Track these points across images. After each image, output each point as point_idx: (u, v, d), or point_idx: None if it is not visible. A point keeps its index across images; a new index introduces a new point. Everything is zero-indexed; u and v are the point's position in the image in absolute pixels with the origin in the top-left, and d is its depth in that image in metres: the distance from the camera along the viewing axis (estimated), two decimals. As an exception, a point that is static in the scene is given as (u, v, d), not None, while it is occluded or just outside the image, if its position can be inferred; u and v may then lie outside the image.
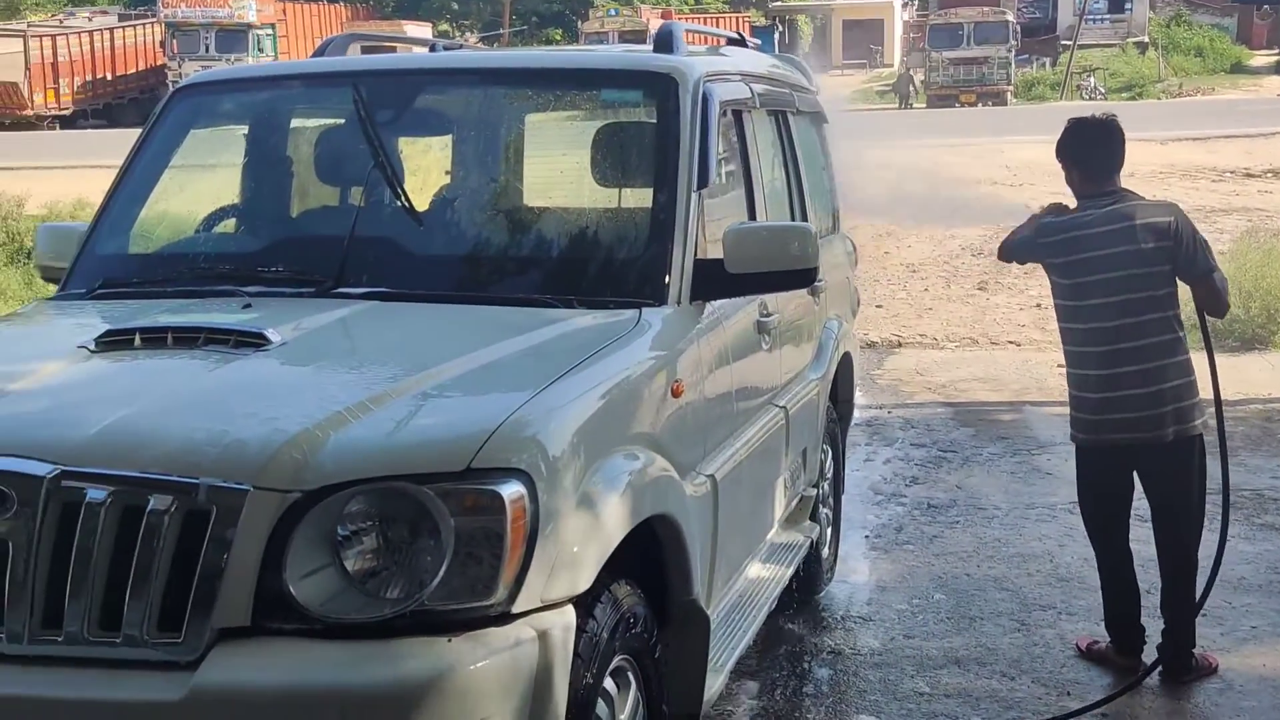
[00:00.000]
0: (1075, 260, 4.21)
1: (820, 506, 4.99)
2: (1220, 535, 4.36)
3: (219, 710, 2.21)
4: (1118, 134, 4.35)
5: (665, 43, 3.82)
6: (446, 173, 4.03)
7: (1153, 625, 4.39)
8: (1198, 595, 4.32)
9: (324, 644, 2.27)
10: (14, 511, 2.31)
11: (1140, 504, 4.38)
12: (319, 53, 4.12)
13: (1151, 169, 18.54)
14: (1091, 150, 4.37)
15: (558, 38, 44.74)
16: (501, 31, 44.14)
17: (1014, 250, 4.62)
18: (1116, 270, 4.13)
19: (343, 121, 3.80)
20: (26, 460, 2.33)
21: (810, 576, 4.92)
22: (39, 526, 2.30)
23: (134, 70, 36.86)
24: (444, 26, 45.31)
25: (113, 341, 2.85)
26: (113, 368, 2.78)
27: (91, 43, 35.53)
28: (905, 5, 49.16)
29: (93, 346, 2.83)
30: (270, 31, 35.56)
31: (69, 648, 2.30)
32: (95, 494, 2.30)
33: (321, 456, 2.34)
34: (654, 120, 3.53)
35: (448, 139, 3.98)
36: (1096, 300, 4.17)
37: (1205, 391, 4.28)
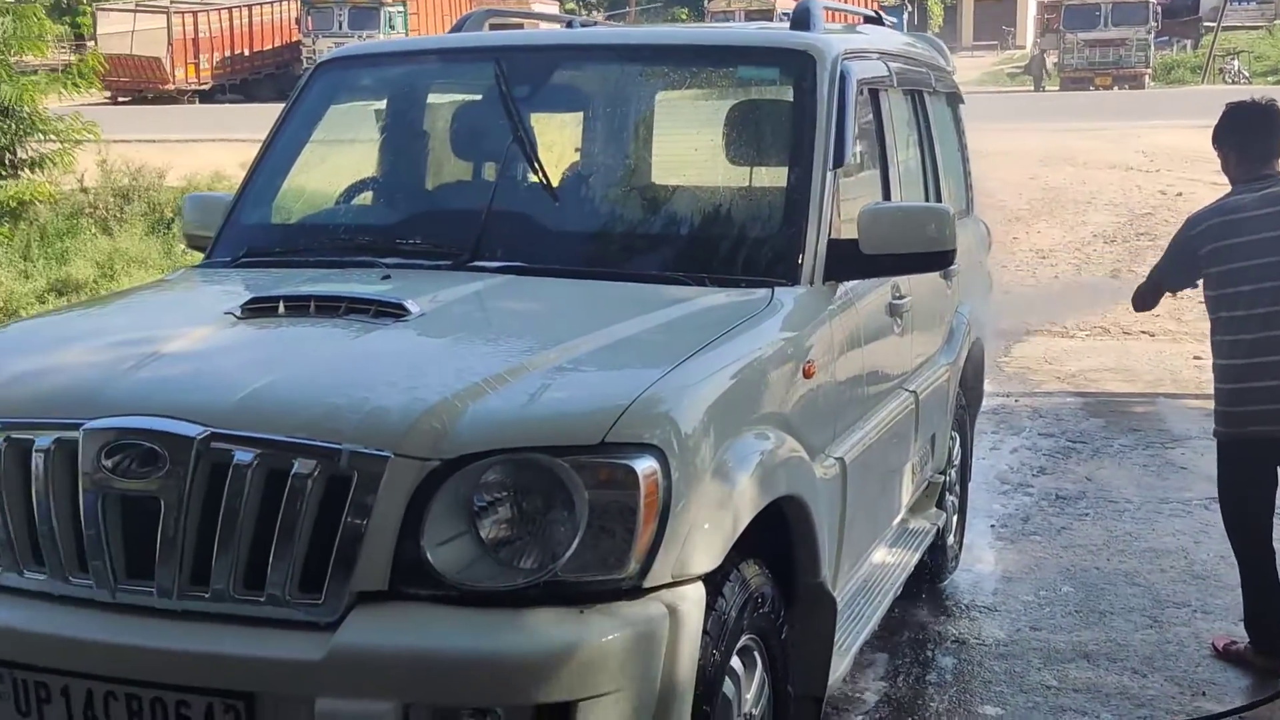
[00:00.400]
0: (1227, 245, 4.08)
1: (947, 493, 4.93)
2: None
3: (358, 671, 2.26)
4: (1278, 118, 4.20)
5: (803, 20, 3.79)
6: (576, 149, 4.05)
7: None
8: None
9: (459, 610, 2.31)
10: (166, 470, 2.38)
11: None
12: (457, 28, 4.17)
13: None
14: (1250, 134, 4.23)
15: (684, 16, 44.55)
16: (628, 9, 44.18)
17: (1162, 273, 4.44)
18: (1271, 255, 4.00)
19: (480, 96, 3.84)
20: (178, 422, 2.40)
21: (935, 564, 4.89)
22: (189, 486, 2.37)
23: (270, 46, 37.61)
24: (570, 5, 45.50)
25: (257, 309, 2.92)
26: (257, 334, 2.85)
27: (230, 19, 36.32)
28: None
29: (238, 313, 2.91)
30: (401, 9, 35.97)
31: (215, 604, 2.37)
32: (242, 456, 2.36)
33: (460, 426, 2.37)
34: (790, 98, 3.51)
35: (579, 115, 4.00)
36: (1249, 286, 4.03)
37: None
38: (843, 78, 3.52)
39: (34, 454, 2.48)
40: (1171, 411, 7.99)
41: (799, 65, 3.51)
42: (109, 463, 2.41)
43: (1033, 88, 34.98)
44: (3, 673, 2.45)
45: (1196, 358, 9.47)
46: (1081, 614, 4.79)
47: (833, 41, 3.65)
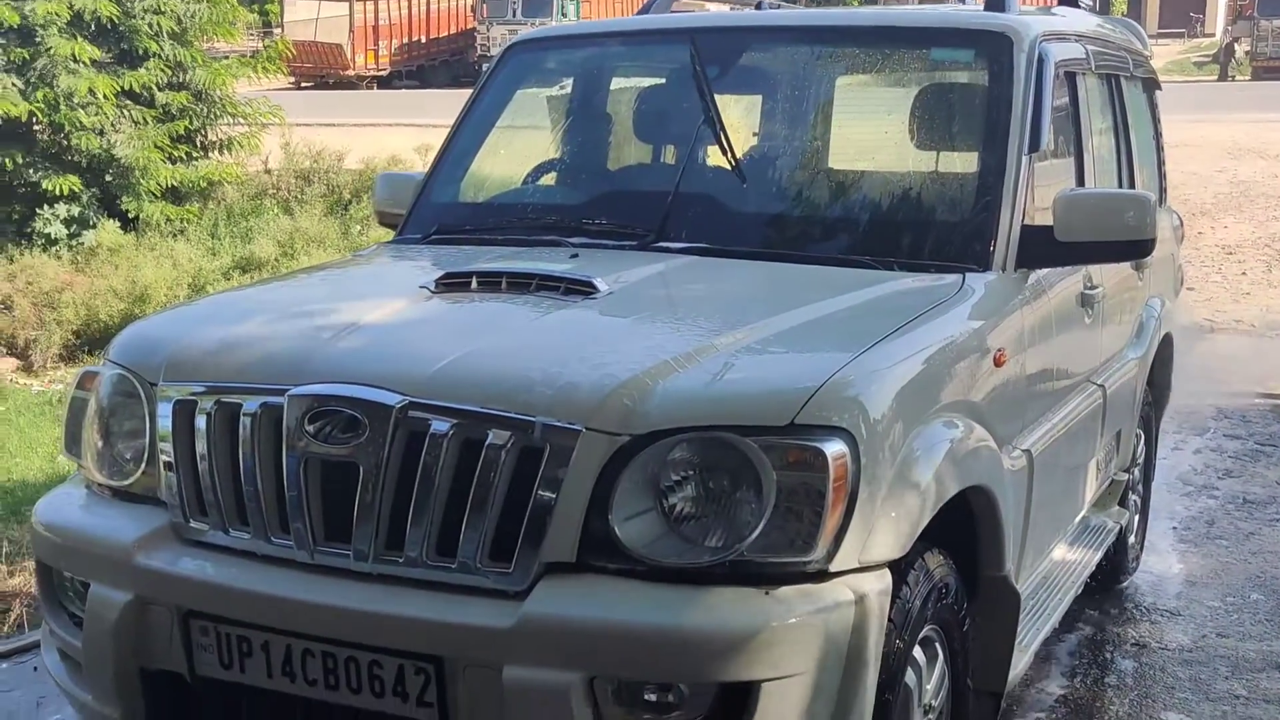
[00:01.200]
0: None
1: (1130, 492, 4.80)
2: None
3: (546, 640, 2.29)
4: None
5: (998, 1, 3.71)
6: (755, 134, 4.02)
7: None
8: None
9: (645, 585, 2.33)
10: (365, 437, 2.45)
11: None
12: (644, 10, 4.19)
13: None
14: None
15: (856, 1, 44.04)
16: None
17: None
18: None
19: (667, 79, 3.85)
20: (378, 390, 2.47)
21: (1116, 564, 4.75)
22: (387, 453, 2.43)
23: (445, 34, 38.30)
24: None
25: (451, 284, 2.98)
26: (452, 308, 2.91)
27: (409, 7, 37.06)
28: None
29: (433, 288, 2.98)
30: (576, -3, 36.42)
31: (408, 569, 2.43)
32: (439, 425, 2.42)
33: (649, 403, 2.38)
34: (986, 80, 3.44)
35: (767, 96, 3.96)
36: None
37: None
38: (1040, 60, 3.44)
39: (241, 418, 2.58)
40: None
41: (996, 47, 3.43)
42: (311, 428, 2.49)
43: (1217, 77, 33.54)
44: (207, 626, 2.55)
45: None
46: (1273, 623, 4.60)
47: (1031, 23, 3.56)
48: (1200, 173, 15.78)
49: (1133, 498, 4.90)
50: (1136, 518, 5.01)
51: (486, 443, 2.39)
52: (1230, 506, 5.99)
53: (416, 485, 2.42)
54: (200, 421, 2.64)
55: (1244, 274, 12.41)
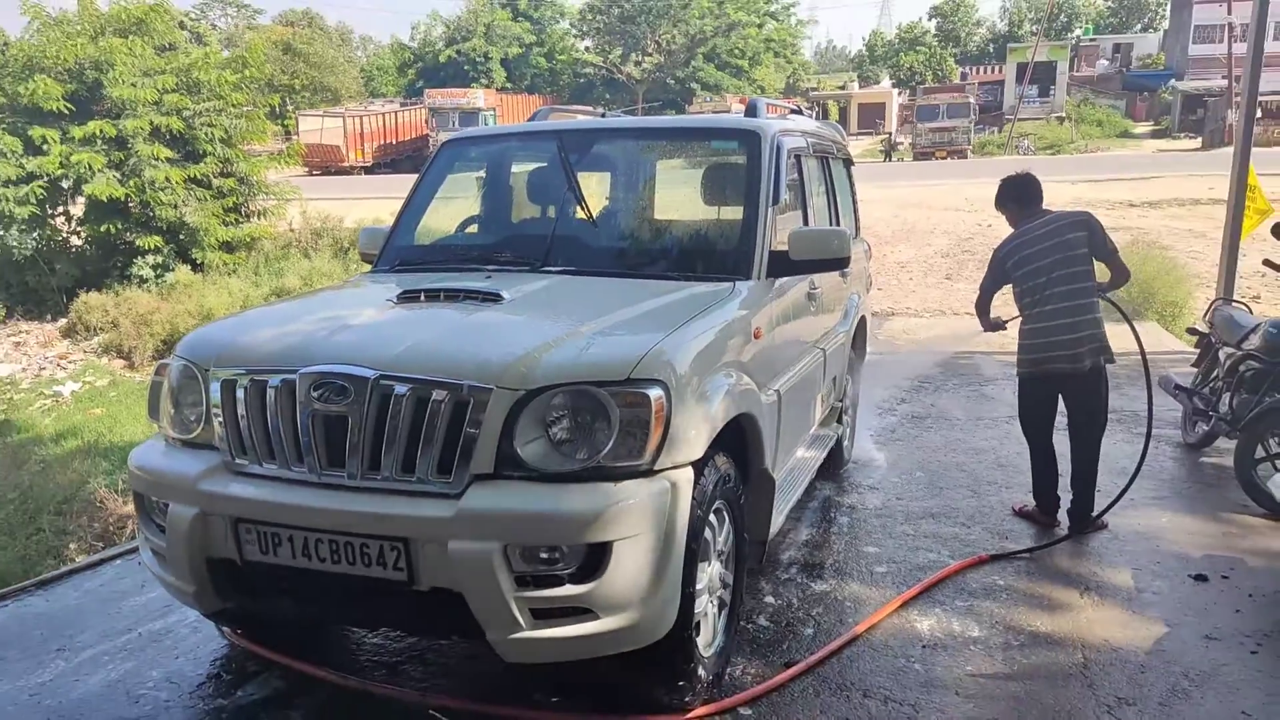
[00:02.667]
0: (1024, 256, 4.05)
1: (844, 414, 4.90)
2: (1145, 441, 4.23)
3: (475, 523, 2.26)
4: (1035, 181, 4.21)
5: (753, 111, 3.73)
6: (606, 197, 3.99)
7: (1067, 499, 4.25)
8: (1123, 484, 4.21)
9: (539, 484, 2.31)
10: (352, 398, 2.38)
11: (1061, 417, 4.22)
12: (533, 119, 4.11)
13: (1064, 201, 17.69)
14: (1022, 192, 4.18)
15: (672, 113, 44.13)
16: (637, 108, 43.56)
17: (985, 285, 4.32)
18: (1050, 257, 3.98)
19: (546, 163, 3.78)
20: (360, 367, 2.40)
21: (835, 459, 4.85)
22: (366, 408, 2.37)
23: (409, 138, 37.30)
24: (600, 110, 44.91)
25: (407, 297, 2.90)
26: (407, 312, 2.82)
27: (384, 120, 35.96)
28: (900, 93, 47.27)
29: (395, 300, 2.89)
30: (493, 112, 35.70)
31: (384, 482, 2.38)
32: (400, 389, 2.36)
33: (538, 369, 2.36)
34: (745, 161, 3.44)
35: (610, 172, 3.93)
36: (1040, 279, 4.01)
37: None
38: (778, 148, 3.46)
39: (268, 389, 2.48)
40: (985, 363, 7.93)
41: (751, 139, 3.44)
42: (315, 394, 2.41)
43: (883, 160, 34.58)
44: (250, 527, 2.46)
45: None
46: (928, 489, 4.77)
47: (772, 124, 3.59)
48: (883, 217, 16.24)
49: (845, 418, 5.00)
50: (847, 429, 5.11)
51: (432, 399, 2.34)
52: (904, 420, 6.17)
53: (387, 428, 2.36)
54: (240, 393, 2.53)
55: (910, 279, 12.81)
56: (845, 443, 5.06)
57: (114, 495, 6.68)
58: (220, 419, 2.56)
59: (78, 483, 7.00)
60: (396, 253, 3.70)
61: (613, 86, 47.67)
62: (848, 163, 5.13)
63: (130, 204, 12.44)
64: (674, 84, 46.14)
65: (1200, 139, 31.74)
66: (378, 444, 2.37)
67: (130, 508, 5.82)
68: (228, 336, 2.73)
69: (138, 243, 12.26)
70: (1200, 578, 3.67)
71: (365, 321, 2.74)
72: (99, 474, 7.11)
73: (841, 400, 4.78)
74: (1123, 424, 5.80)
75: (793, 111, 4.65)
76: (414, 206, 3.83)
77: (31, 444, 8.17)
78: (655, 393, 2.35)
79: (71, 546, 6.17)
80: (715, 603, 2.80)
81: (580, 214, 3.44)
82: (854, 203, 5.20)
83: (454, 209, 4.07)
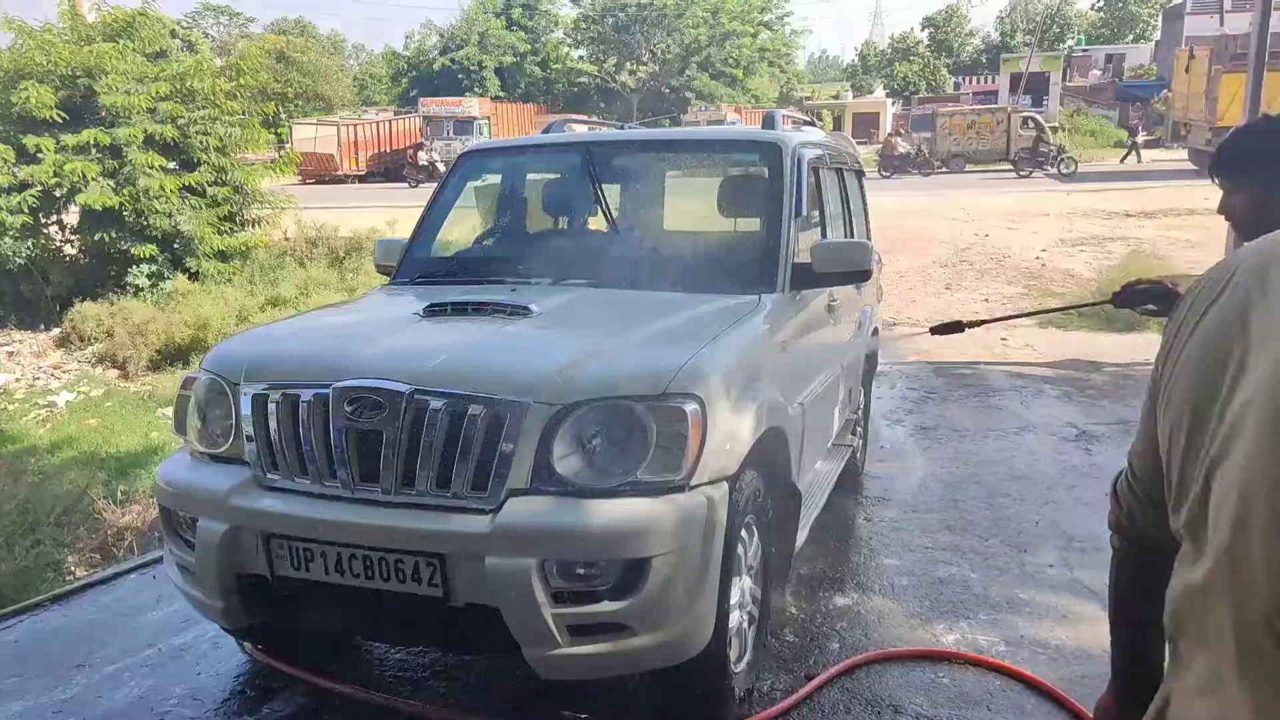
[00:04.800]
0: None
1: (858, 426, 4.92)
2: None
3: (512, 538, 2.26)
4: None
5: (770, 123, 3.76)
6: (628, 209, 3.99)
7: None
8: None
9: (575, 499, 2.31)
10: (386, 414, 2.38)
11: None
12: (547, 130, 4.12)
13: (1062, 211, 17.88)
14: None
15: (667, 123, 44.24)
16: (635, 122, 43.59)
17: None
18: None
19: (567, 173, 3.79)
20: (395, 382, 2.40)
21: (851, 470, 4.86)
22: (401, 423, 2.37)
23: (402, 146, 37.28)
24: (618, 122, 45.00)
25: (434, 310, 2.90)
26: (437, 326, 2.83)
27: (377, 129, 35.95)
28: (894, 103, 47.65)
29: (421, 313, 2.89)
30: (487, 121, 35.73)
31: (418, 497, 2.38)
32: (435, 404, 2.36)
33: (575, 383, 2.36)
34: (766, 174, 3.47)
35: (630, 185, 3.95)
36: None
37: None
38: (799, 159, 3.50)
39: (300, 403, 2.48)
40: (989, 373, 7.96)
41: (772, 152, 3.47)
42: (349, 409, 2.41)
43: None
44: (283, 542, 2.45)
45: (1003, 339, 9.45)
46: (943, 501, 4.77)
47: (792, 136, 3.61)
48: (880, 227, 16.07)
49: (859, 429, 5.02)
50: (861, 441, 5.13)
51: (468, 413, 2.34)
52: (914, 432, 6.17)
53: (422, 443, 2.36)
54: (271, 407, 2.53)
55: (910, 289, 12.77)
56: (859, 456, 5.06)
57: (112, 506, 6.64)
58: (251, 433, 2.56)
59: (75, 494, 6.95)
60: (416, 265, 3.70)
61: (607, 95, 47.80)
62: (859, 174, 5.17)
63: (124, 213, 12.40)
64: (668, 93, 46.29)
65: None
66: (412, 459, 2.37)
67: (129, 519, 5.78)
68: (257, 350, 2.73)
69: (132, 251, 12.22)
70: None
71: (394, 335, 2.74)
72: (96, 485, 7.07)
73: (856, 412, 4.79)
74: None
75: (805, 123, 4.68)
76: (432, 218, 3.84)
77: (27, 454, 8.11)
78: (691, 407, 2.36)
79: (70, 560, 6.13)
80: (746, 618, 2.80)
81: (604, 226, 3.45)
82: (865, 214, 5.24)
83: (472, 220, 4.08)
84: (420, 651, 3.18)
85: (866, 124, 46.73)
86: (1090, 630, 3.35)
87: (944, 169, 30.22)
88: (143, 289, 12.27)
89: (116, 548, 6.38)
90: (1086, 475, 5.13)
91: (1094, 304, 2.76)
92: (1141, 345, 8.69)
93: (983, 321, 3.60)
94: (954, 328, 3.94)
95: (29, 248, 12.31)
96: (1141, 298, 2.59)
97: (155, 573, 3.98)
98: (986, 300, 11.72)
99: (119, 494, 6.62)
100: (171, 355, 10.37)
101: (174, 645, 3.34)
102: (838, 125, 44.44)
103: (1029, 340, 9.31)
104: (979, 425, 6.27)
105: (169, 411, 7.99)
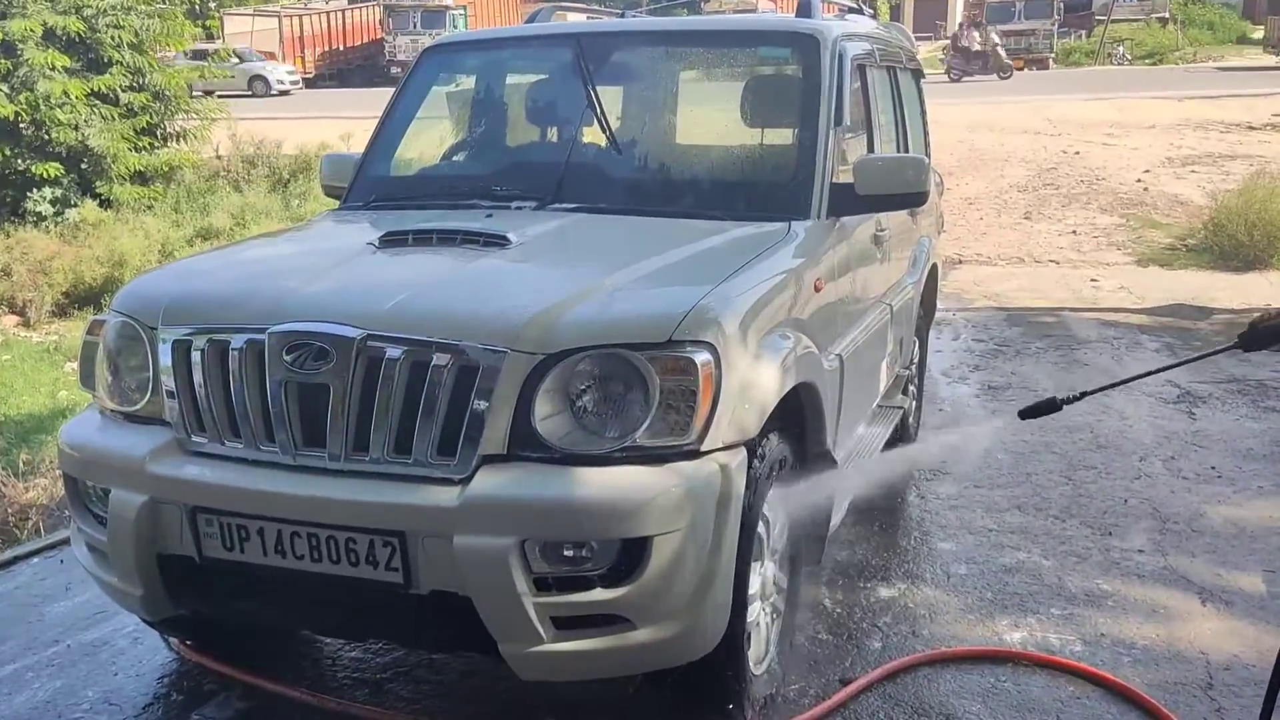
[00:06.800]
0: None
1: (909, 384, 4.93)
2: None
3: (486, 514, 2.28)
4: None
5: (806, 9, 3.71)
6: (630, 116, 3.96)
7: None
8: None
9: (561, 468, 2.32)
10: (333, 364, 2.39)
11: None
12: (531, 19, 4.08)
13: (1170, 122, 17.64)
14: None
15: (684, 13, 43.59)
16: (642, 9, 43.06)
17: None
18: None
19: (556, 73, 3.75)
20: (342, 325, 2.41)
21: (901, 436, 4.87)
22: (351, 376, 2.38)
23: (359, 43, 36.98)
24: (596, 5, 44.52)
25: (392, 240, 2.90)
26: (395, 259, 2.83)
27: (328, 21, 35.72)
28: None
29: (377, 244, 2.90)
30: (463, 11, 35.28)
31: (373, 465, 2.40)
32: (393, 352, 2.37)
33: (559, 329, 2.37)
34: (800, 72, 3.43)
35: (634, 87, 3.90)
36: None
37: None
38: (840, 56, 3.45)
39: (230, 352, 2.50)
40: (1075, 322, 7.93)
41: (807, 45, 3.43)
42: (289, 358, 2.42)
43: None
44: (211, 518, 2.48)
45: (1093, 280, 9.42)
46: (1012, 475, 4.80)
47: (833, 26, 3.57)
48: (946, 143, 16.07)
49: (911, 388, 5.03)
50: (914, 402, 5.14)
51: (432, 364, 2.35)
52: (980, 391, 6.20)
53: (377, 400, 2.37)
54: (195, 356, 2.54)
55: (981, 219, 12.73)
56: (911, 419, 5.09)
57: (12, 479, 6.73)
58: (172, 388, 2.58)
59: (-36, 466, 7.05)
60: (371, 185, 3.70)
61: (609, -21, 47.13)
62: (917, 74, 5.11)
63: (21, 124, 12.39)
64: (685, -24, 45.56)
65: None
66: (365, 418, 2.39)
67: (33, 494, 5.87)
68: (177, 287, 2.74)
69: (32, 171, 12.23)
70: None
71: (344, 269, 2.75)
72: (-9, 454, 7.16)
73: (909, 367, 4.80)
74: (1248, 395, 5.85)
75: (850, 10, 4.62)
76: (390, 129, 3.83)
77: (-92, 418, 8.22)
78: (702, 357, 2.36)
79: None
80: (769, 610, 2.84)
81: (600, 139, 3.42)
82: (924, 124, 5.19)
83: (437, 132, 4.05)
84: (378, 648, 3.24)
85: (932, 12, 45.98)
86: (1186, 628, 3.40)
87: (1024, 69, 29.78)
88: (45, 217, 12.29)
89: (19, 528, 6.49)
90: (1189, 444, 5.15)
91: (1219, 351, 2.59)
92: (1262, 286, 8.65)
93: (1086, 394, 2.99)
94: (1049, 407, 3.06)
95: (-94, 167, 12.34)
96: (1275, 336, 2.52)
97: (64, 556, 4.05)
98: (1075, 232, 11.64)
99: (20, 464, 6.70)
100: (81, 298, 10.47)
101: (85, 641, 3.40)
102: (895, 15, 43.71)
103: (1125, 281, 9.28)
104: (1060, 384, 6.27)
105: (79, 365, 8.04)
